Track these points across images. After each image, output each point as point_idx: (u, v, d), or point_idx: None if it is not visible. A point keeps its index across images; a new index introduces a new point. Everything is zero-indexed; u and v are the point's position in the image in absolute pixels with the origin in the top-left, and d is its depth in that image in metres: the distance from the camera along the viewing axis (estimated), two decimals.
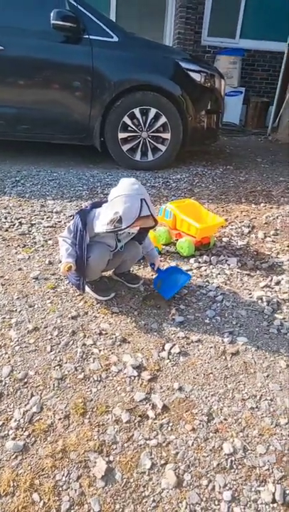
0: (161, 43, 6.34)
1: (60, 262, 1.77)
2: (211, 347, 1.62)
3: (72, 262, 1.64)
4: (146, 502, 1.07)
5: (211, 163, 4.44)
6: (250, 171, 4.26)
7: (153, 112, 3.76)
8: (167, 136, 3.88)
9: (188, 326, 1.73)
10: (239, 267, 2.22)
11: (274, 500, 1.09)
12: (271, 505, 1.08)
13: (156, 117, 3.80)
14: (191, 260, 2.24)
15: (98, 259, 1.72)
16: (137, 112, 3.74)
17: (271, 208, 3.18)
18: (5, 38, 3.43)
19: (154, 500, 1.08)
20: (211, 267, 2.21)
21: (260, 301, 1.93)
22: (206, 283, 2.05)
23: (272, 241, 2.59)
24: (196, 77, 3.86)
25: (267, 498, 1.10)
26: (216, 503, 1.08)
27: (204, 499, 1.09)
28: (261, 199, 3.38)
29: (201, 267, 2.20)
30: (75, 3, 3.48)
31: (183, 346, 1.61)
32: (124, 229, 1.56)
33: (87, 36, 3.54)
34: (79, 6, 3.49)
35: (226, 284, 2.05)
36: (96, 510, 1.04)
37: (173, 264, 2.21)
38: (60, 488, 1.09)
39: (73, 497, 1.07)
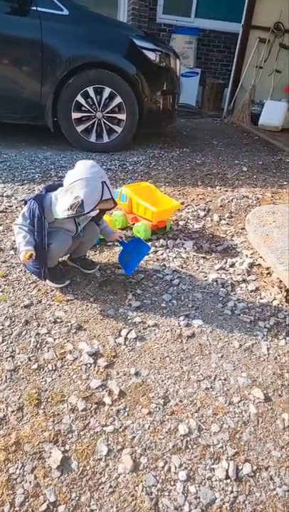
0: (114, 18, 6.12)
1: (14, 249, 1.69)
2: (168, 330, 1.64)
3: (32, 249, 1.56)
4: (102, 488, 1.07)
5: (168, 145, 4.42)
6: (206, 154, 4.29)
7: (107, 91, 3.64)
8: (123, 117, 3.79)
9: (145, 310, 1.73)
10: (195, 250, 2.25)
11: (227, 477, 1.13)
12: (225, 481, 1.13)
13: (111, 97, 3.69)
14: (148, 244, 2.23)
15: (60, 246, 1.68)
16: (90, 90, 3.61)
17: (226, 190, 3.23)
18: None
19: (110, 486, 1.08)
20: (167, 250, 2.21)
21: (215, 284, 1.97)
22: (163, 267, 2.06)
23: (227, 224, 2.64)
24: (151, 55, 3.77)
25: (220, 475, 1.14)
26: (172, 483, 1.11)
27: (160, 481, 1.11)
28: (217, 182, 3.42)
29: (158, 251, 2.20)
30: None
31: (139, 331, 1.61)
32: (86, 213, 1.54)
33: (35, 8, 3.32)
34: None
35: (182, 268, 2.07)
36: (52, 501, 1.03)
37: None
38: (14, 482, 1.06)
39: (28, 489, 1.05)
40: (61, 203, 1.55)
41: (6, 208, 2.50)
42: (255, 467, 1.16)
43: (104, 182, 1.54)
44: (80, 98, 3.61)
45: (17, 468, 1.09)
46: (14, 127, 4.01)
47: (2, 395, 1.28)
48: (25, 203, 1.63)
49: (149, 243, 2.24)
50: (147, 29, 6.56)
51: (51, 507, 1.02)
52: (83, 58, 3.48)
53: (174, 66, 4.14)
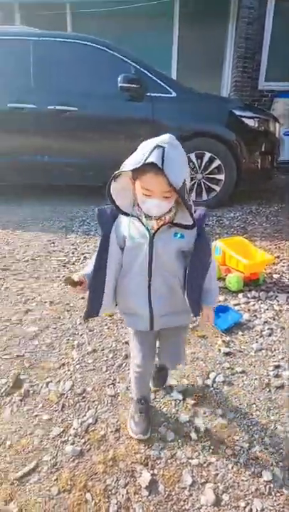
0: (217, 93, 6.73)
1: None
2: (256, 379, 1.69)
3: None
4: None
5: (266, 201, 4.53)
6: None
7: (207, 156, 4.01)
8: (221, 177, 4.09)
9: (234, 357, 1.82)
10: None
11: None
12: None
13: (211, 160, 4.04)
14: (240, 295, 2.34)
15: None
16: (192, 156, 4.02)
17: None
18: (78, 101, 3.99)
19: None
20: (259, 302, 2.28)
21: None
22: (254, 317, 2.13)
23: None
24: (250, 122, 4.08)
25: None
26: None
27: None
28: None
29: (250, 302, 2.28)
30: (139, 67, 3.96)
31: (227, 376, 1.70)
32: (124, 171, 1.03)
33: (149, 94, 3.97)
34: (142, 69, 3.97)
35: (274, 320, 2.11)
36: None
37: (221, 298, 2.32)
38: (110, 492, 1.22)
39: (120, 501, 1.20)
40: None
41: None
42: None
43: (161, 147, 0.97)
44: None
45: (112, 481, 1.26)
46: None
47: (104, 416, 1.49)
48: None
49: (241, 294, 2.35)
50: (249, 96, 7.02)
51: None
52: (185, 130, 3.95)
53: (273, 129, 4.37)
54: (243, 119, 4.04)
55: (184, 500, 1.20)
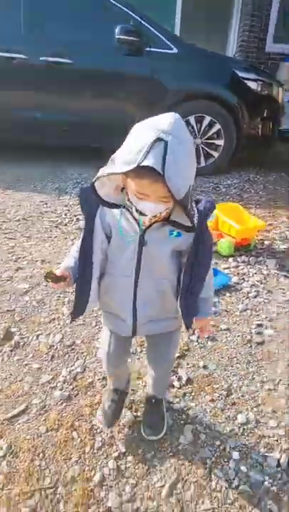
0: (221, 52, 6.47)
1: None
2: (238, 336, 1.77)
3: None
4: (165, 451, 1.27)
5: (265, 169, 4.49)
6: None
7: (207, 119, 3.93)
8: (220, 142, 4.03)
9: (220, 316, 1.89)
10: (277, 268, 2.32)
11: (278, 465, 1.23)
12: (276, 468, 1.22)
13: (211, 125, 3.96)
14: (230, 259, 2.39)
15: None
16: (192, 119, 3.94)
17: None
18: (73, 52, 3.78)
19: (171, 451, 1.27)
20: (248, 266, 2.33)
21: None
22: (242, 280, 2.19)
23: None
24: (253, 85, 3.96)
25: (272, 463, 1.24)
26: (226, 460, 1.25)
27: (216, 456, 1.26)
28: None
29: (239, 266, 2.33)
30: (139, 19, 3.77)
31: (212, 332, 1.78)
32: (113, 173, 0.82)
33: (148, 49, 3.82)
34: (142, 21, 3.78)
35: (261, 283, 2.17)
36: (122, 451, 1.26)
37: (212, 262, 2.36)
38: (95, 431, 1.32)
39: (105, 439, 1.30)
40: None
41: None
42: None
43: (164, 141, 0.74)
44: None
45: (98, 421, 1.36)
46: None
47: (92, 366, 1.58)
48: None
49: (231, 258, 2.40)
50: (255, 59, 6.76)
51: (121, 456, 1.25)
52: (185, 91, 3.84)
53: (277, 94, 4.26)
54: (246, 81, 3.92)
55: (164, 439, 1.31)
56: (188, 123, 3.95)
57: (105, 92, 3.96)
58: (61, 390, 1.46)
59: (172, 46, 3.87)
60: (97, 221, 0.94)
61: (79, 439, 1.30)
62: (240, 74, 3.95)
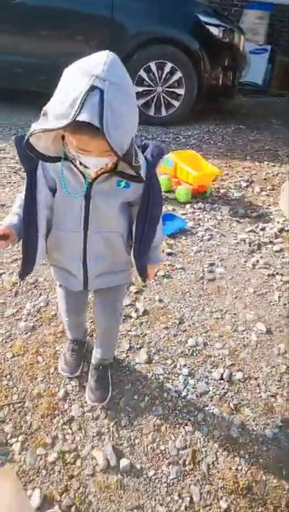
0: None
1: None
2: (192, 274, 1.92)
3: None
4: (123, 370, 1.41)
5: (224, 121, 4.54)
6: (261, 131, 4.35)
7: (169, 66, 3.85)
8: (181, 91, 3.98)
9: (175, 257, 2.02)
10: (230, 214, 2.47)
11: (221, 378, 1.42)
12: (219, 381, 1.41)
13: (172, 72, 3.89)
14: (187, 206, 2.49)
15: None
16: (153, 65, 3.84)
17: (274, 166, 3.34)
18: None
19: (129, 369, 1.42)
20: (204, 212, 2.46)
21: (243, 243, 2.19)
22: (198, 225, 2.31)
23: (267, 195, 2.80)
24: (215, 31, 3.88)
25: (216, 376, 1.43)
26: (176, 375, 1.41)
27: (167, 372, 1.42)
28: (266, 158, 3.53)
29: (195, 212, 2.45)
30: None
31: (168, 271, 1.91)
32: (47, 130, 0.72)
33: None
34: None
35: (215, 227, 2.31)
36: (84, 370, 1.39)
37: (170, 208, 2.46)
38: (58, 355, 1.43)
39: None
40: None
41: None
42: (246, 376, 1.43)
43: (99, 89, 0.65)
44: (142, 73, 3.86)
45: (61, 347, 1.46)
46: None
47: (55, 300, 1.66)
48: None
49: (188, 205, 2.50)
50: (218, 4, 6.53)
51: (84, 375, 1.38)
52: (147, 34, 3.71)
53: (238, 42, 4.21)
54: (208, 26, 3.84)
55: (123, 360, 1.45)
56: (149, 69, 3.85)
57: (65, 32, 3.74)
58: (26, 321, 1.55)
59: None
60: (39, 175, 0.88)
61: (44, 362, 1.40)
62: (203, 18, 3.84)
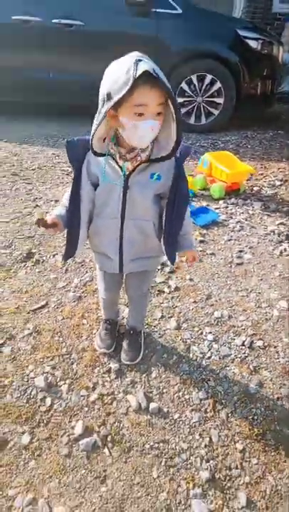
0: (228, 13, 6.42)
1: None
2: (222, 259, 2.09)
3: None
4: (155, 334, 1.62)
5: (263, 127, 4.67)
6: None
7: (209, 78, 4.09)
8: (221, 100, 4.20)
9: (207, 244, 2.21)
10: (262, 209, 2.61)
11: (243, 344, 1.57)
12: (240, 346, 1.57)
13: (212, 83, 4.12)
14: (221, 202, 2.67)
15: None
16: (194, 78, 4.10)
17: None
18: (84, 14, 3.97)
19: (160, 334, 1.62)
20: (236, 207, 2.62)
21: (272, 233, 2.32)
22: (230, 218, 2.48)
23: None
24: (253, 44, 4.09)
25: (238, 342, 1.58)
26: (202, 340, 1.59)
27: (194, 337, 1.60)
28: None
29: (228, 207, 2.62)
30: None
31: (199, 256, 2.10)
32: (115, 101, 0.88)
33: (154, 10, 3.94)
34: None
35: (246, 220, 2.47)
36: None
37: (204, 203, 2.65)
38: (100, 320, 1.67)
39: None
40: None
41: None
42: (266, 344, 1.58)
43: (140, 59, 0.85)
44: (184, 85, 4.13)
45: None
46: None
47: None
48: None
49: (222, 201, 2.68)
50: (261, 19, 6.71)
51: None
52: (189, 49, 3.98)
53: (277, 53, 4.36)
54: (247, 40, 4.05)
55: (155, 326, 1.65)
56: (190, 82, 4.12)
57: (114, 53, 4.09)
58: (74, 292, 1.81)
59: (176, 6, 3.98)
60: (83, 172, 1.04)
61: (88, 324, 1.65)
62: (242, 33, 4.06)
